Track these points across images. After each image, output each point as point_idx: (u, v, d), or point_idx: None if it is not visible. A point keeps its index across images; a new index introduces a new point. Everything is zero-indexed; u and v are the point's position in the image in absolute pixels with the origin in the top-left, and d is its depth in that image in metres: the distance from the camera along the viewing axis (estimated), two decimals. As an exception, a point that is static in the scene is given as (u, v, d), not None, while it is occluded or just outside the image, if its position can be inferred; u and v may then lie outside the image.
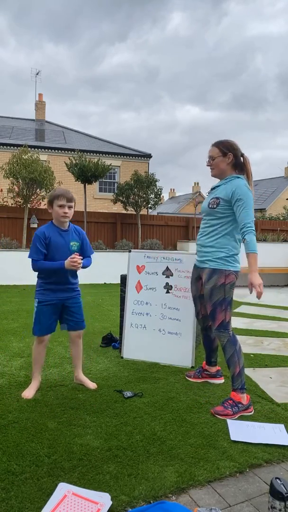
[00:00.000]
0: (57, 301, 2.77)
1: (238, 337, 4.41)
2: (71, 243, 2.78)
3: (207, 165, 2.80)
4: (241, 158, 2.72)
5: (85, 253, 2.89)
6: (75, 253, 2.71)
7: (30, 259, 2.69)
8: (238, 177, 2.66)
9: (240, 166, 2.72)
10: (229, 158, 2.69)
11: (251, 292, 2.53)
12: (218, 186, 2.74)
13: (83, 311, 2.93)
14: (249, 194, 2.57)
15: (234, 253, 2.67)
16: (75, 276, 2.85)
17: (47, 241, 2.69)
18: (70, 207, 2.72)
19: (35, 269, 2.71)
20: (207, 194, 2.91)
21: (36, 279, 2.81)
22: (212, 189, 2.82)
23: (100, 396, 2.73)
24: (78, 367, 2.96)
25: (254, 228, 2.53)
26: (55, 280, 2.74)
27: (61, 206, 2.69)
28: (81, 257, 2.71)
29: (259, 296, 2.48)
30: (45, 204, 12.46)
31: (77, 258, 2.66)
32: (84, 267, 2.77)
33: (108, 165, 10.88)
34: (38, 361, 2.82)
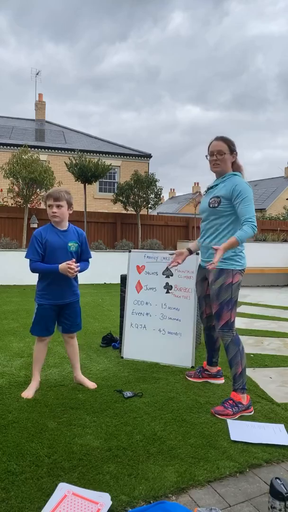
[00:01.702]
0: (56, 304, 2.77)
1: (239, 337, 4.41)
2: (69, 244, 2.75)
3: (213, 159, 2.68)
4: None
5: (82, 256, 2.87)
6: (73, 259, 2.68)
7: (27, 260, 2.69)
8: (236, 175, 2.65)
9: (236, 164, 2.72)
10: (234, 156, 2.68)
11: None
12: (216, 185, 2.71)
13: (80, 315, 2.93)
14: (250, 190, 2.56)
15: (240, 250, 2.65)
16: (75, 279, 2.84)
17: (43, 242, 2.67)
18: (58, 206, 2.68)
19: (31, 269, 2.71)
20: (204, 194, 2.88)
21: (37, 280, 2.81)
22: (209, 188, 2.79)
23: (100, 396, 2.73)
24: (76, 368, 2.96)
25: (255, 223, 2.46)
26: (55, 283, 2.72)
27: (49, 206, 2.68)
28: (78, 264, 2.69)
29: (214, 261, 2.35)
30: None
31: (73, 265, 2.64)
32: (80, 271, 2.76)
33: (108, 165, 10.88)
34: (39, 359, 2.82)
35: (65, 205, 2.71)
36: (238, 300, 2.71)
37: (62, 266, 2.63)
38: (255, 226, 2.47)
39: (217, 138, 2.70)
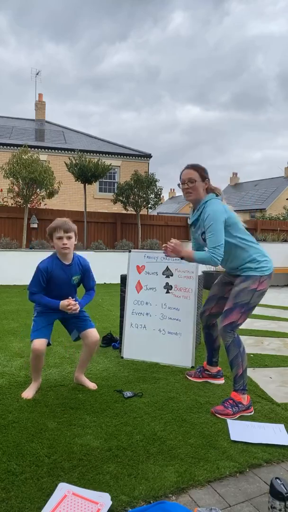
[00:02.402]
0: (56, 315, 2.76)
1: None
2: (73, 278, 2.76)
3: (184, 188, 2.68)
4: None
5: (86, 286, 2.87)
6: (71, 298, 2.68)
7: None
8: (207, 201, 2.63)
9: (210, 189, 2.69)
10: (206, 183, 2.67)
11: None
12: (197, 219, 2.70)
13: (86, 312, 2.91)
14: (216, 215, 2.51)
15: (260, 256, 2.65)
16: (74, 295, 2.84)
17: (48, 276, 2.66)
18: (69, 238, 2.65)
19: (31, 300, 2.71)
20: (190, 228, 2.83)
21: None
22: (191, 225, 2.78)
23: (100, 396, 2.73)
24: (81, 370, 2.93)
25: (217, 255, 2.49)
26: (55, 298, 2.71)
27: (59, 238, 2.64)
28: (76, 303, 2.68)
29: (165, 251, 2.64)
30: (45, 204, 12.40)
31: (73, 305, 2.64)
32: (84, 305, 2.78)
33: (108, 165, 10.88)
34: (37, 369, 2.76)
35: (73, 236, 2.69)
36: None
37: (62, 304, 2.64)
38: (217, 258, 2.49)
39: (188, 167, 2.70)
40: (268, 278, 2.66)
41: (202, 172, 2.66)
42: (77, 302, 2.72)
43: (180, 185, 2.73)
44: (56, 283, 2.69)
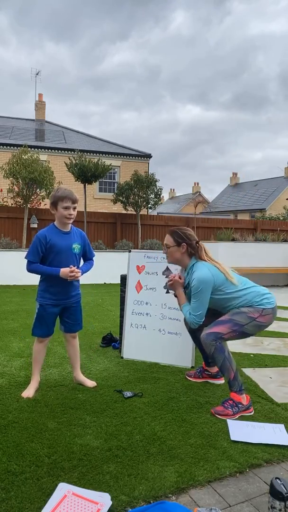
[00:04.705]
0: (58, 304, 2.78)
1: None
2: (73, 246, 2.76)
3: (163, 253, 2.83)
4: (197, 246, 2.69)
5: (86, 256, 2.89)
6: (73, 266, 2.68)
7: (26, 260, 2.68)
8: (194, 265, 2.66)
9: (196, 253, 2.69)
10: (183, 248, 2.69)
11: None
12: (188, 283, 2.72)
13: (82, 314, 2.94)
14: (201, 286, 2.54)
15: (258, 296, 2.64)
16: (77, 279, 2.83)
17: (48, 245, 2.66)
18: (74, 209, 2.70)
19: (29, 270, 2.70)
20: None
21: (39, 280, 2.81)
22: (185, 287, 2.80)
23: (100, 396, 2.73)
24: (76, 368, 2.96)
25: (196, 320, 2.59)
26: (57, 283, 2.71)
27: (66, 208, 2.66)
28: (79, 271, 2.70)
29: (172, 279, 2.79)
30: (45, 204, 12.37)
31: (75, 269, 2.66)
32: (85, 272, 2.78)
33: (108, 165, 10.88)
34: (38, 360, 2.83)
35: (76, 207, 2.73)
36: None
37: (63, 271, 2.64)
38: (196, 323, 2.61)
39: (167, 232, 2.79)
40: (272, 313, 2.64)
41: (176, 238, 2.71)
42: (79, 270, 2.73)
43: None
44: (57, 252, 2.68)
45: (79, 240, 2.81)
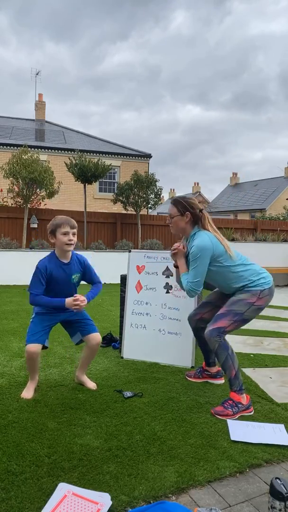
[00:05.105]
0: (58, 314, 2.74)
1: (239, 337, 4.42)
2: (73, 276, 2.74)
3: (167, 223, 2.81)
4: (200, 215, 2.68)
5: (92, 280, 2.85)
6: (77, 295, 2.64)
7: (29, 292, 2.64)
8: (195, 233, 2.65)
9: (200, 222, 2.69)
10: (187, 217, 2.68)
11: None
12: (189, 252, 2.71)
13: (87, 314, 2.90)
14: (200, 252, 2.53)
15: (255, 275, 2.65)
16: (75, 291, 2.79)
17: (48, 276, 2.63)
18: (74, 234, 2.65)
19: (33, 303, 2.65)
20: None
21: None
22: (186, 256, 2.79)
23: (100, 396, 2.73)
24: (82, 370, 2.93)
25: (193, 287, 2.58)
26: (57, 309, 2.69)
27: (65, 233, 2.61)
28: (84, 299, 2.64)
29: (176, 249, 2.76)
30: (45, 205, 12.37)
31: (80, 299, 2.61)
32: (91, 299, 2.73)
33: (108, 165, 10.87)
34: (33, 370, 2.76)
35: (76, 233, 2.69)
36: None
37: (68, 301, 2.61)
38: (194, 291, 2.60)
39: (171, 201, 2.77)
40: (269, 294, 2.66)
41: (180, 207, 2.69)
42: (84, 298, 2.67)
43: None
44: (55, 283, 2.67)
45: (78, 270, 2.76)
